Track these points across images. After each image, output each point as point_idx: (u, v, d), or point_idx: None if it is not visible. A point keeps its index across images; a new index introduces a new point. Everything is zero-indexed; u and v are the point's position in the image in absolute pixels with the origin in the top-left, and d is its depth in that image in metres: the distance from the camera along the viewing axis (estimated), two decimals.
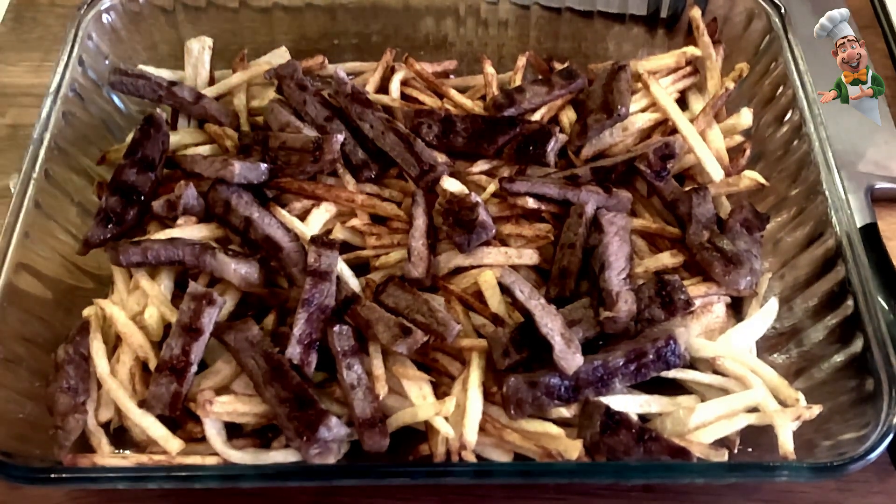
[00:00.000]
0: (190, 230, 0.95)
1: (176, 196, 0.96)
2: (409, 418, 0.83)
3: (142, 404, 0.83)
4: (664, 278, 0.89)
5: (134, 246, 0.90)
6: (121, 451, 0.86)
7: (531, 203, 0.96)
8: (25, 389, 0.88)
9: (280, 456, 0.83)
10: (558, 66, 1.16)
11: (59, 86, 1.02)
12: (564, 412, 0.84)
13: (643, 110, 1.07)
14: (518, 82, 1.13)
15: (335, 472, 0.82)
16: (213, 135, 1.06)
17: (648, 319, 0.87)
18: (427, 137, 1.02)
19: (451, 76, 1.19)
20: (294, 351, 0.83)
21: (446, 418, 0.82)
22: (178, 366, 0.83)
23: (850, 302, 0.89)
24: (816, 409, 0.83)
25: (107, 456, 0.84)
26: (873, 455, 0.78)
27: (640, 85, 1.08)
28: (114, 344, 0.90)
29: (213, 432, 0.83)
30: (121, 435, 0.88)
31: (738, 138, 1.08)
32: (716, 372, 0.88)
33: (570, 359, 0.81)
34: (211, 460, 0.83)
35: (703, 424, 0.84)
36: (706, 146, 1.02)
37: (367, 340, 0.86)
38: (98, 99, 1.10)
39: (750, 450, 0.87)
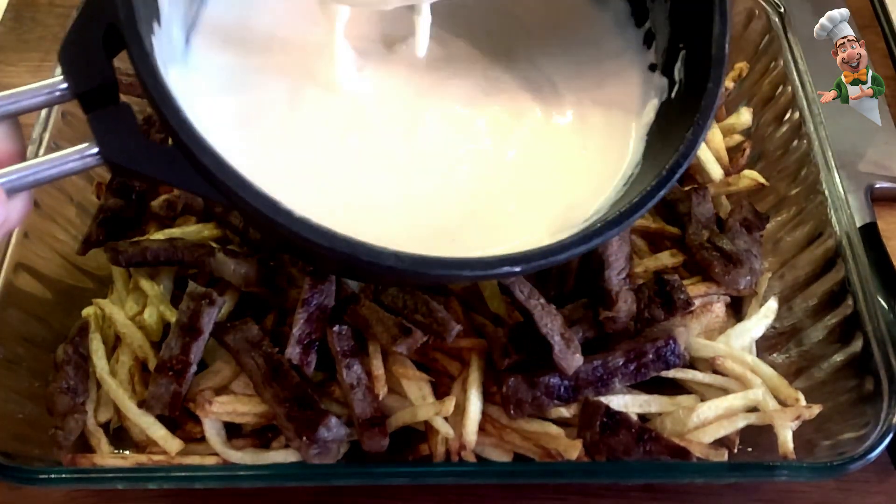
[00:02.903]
0: (189, 230, 0.95)
1: (175, 196, 0.95)
2: (409, 418, 0.83)
3: (141, 404, 0.83)
4: (664, 278, 0.89)
5: (133, 246, 0.90)
6: (120, 451, 0.86)
7: None
8: (25, 389, 0.88)
9: (280, 456, 0.83)
10: None
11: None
12: (564, 412, 0.84)
13: None
14: None
15: (335, 472, 0.82)
16: None
17: (648, 319, 0.87)
18: None
19: None
20: (293, 351, 0.83)
21: (446, 418, 0.82)
22: (177, 366, 0.83)
23: (849, 301, 0.89)
24: (816, 409, 0.83)
25: (106, 456, 0.84)
26: (873, 455, 0.78)
27: None
28: (113, 344, 0.90)
29: (213, 432, 0.83)
30: (120, 435, 0.88)
31: (738, 138, 1.08)
32: (716, 371, 0.88)
33: (570, 359, 0.81)
34: (210, 460, 0.83)
35: (702, 424, 0.84)
36: (705, 145, 1.02)
37: (366, 340, 0.85)
38: None
39: (750, 450, 0.87)
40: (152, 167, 0.60)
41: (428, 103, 0.85)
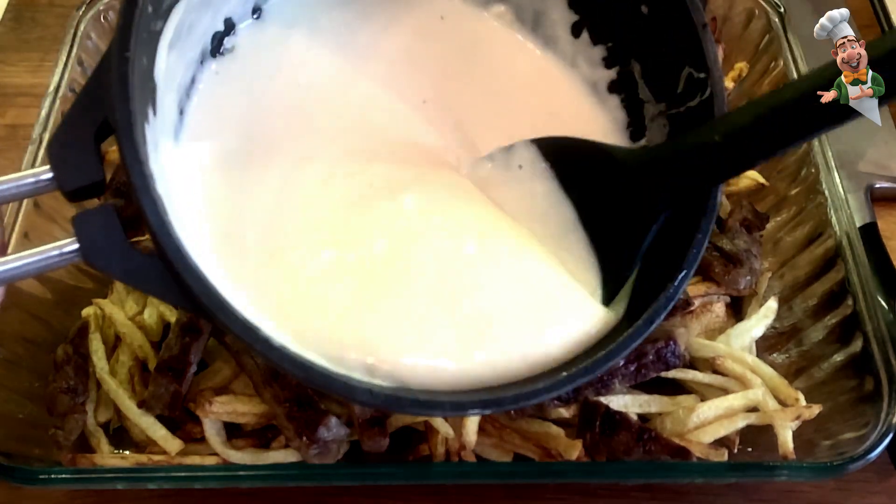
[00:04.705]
0: None
1: None
2: (409, 418, 0.83)
3: (141, 404, 0.83)
4: None
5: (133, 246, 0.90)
6: (120, 451, 0.86)
7: None
8: (25, 389, 0.88)
9: (280, 456, 0.83)
10: None
11: (59, 86, 1.02)
12: (564, 412, 0.84)
13: None
14: None
15: (335, 472, 0.82)
16: None
17: None
18: None
19: None
20: None
21: (446, 418, 0.82)
22: (177, 366, 0.83)
23: (849, 302, 0.89)
24: (816, 409, 0.83)
25: (106, 456, 0.84)
26: (873, 454, 0.78)
27: None
28: (113, 344, 0.90)
29: (213, 432, 0.83)
30: (120, 435, 0.88)
31: None
32: (716, 371, 0.88)
33: None
34: (210, 460, 0.83)
35: (702, 424, 0.84)
36: None
37: None
38: None
39: (750, 450, 0.87)
40: (131, 277, 0.60)
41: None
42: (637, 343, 0.68)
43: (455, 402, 0.66)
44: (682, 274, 0.69)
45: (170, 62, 0.70)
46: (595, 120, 0.86)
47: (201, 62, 0.80)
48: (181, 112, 0.77)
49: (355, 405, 0.81)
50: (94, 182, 0.60)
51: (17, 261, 0.59)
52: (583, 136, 0.80)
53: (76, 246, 0.58)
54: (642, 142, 0.83)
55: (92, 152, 0.60)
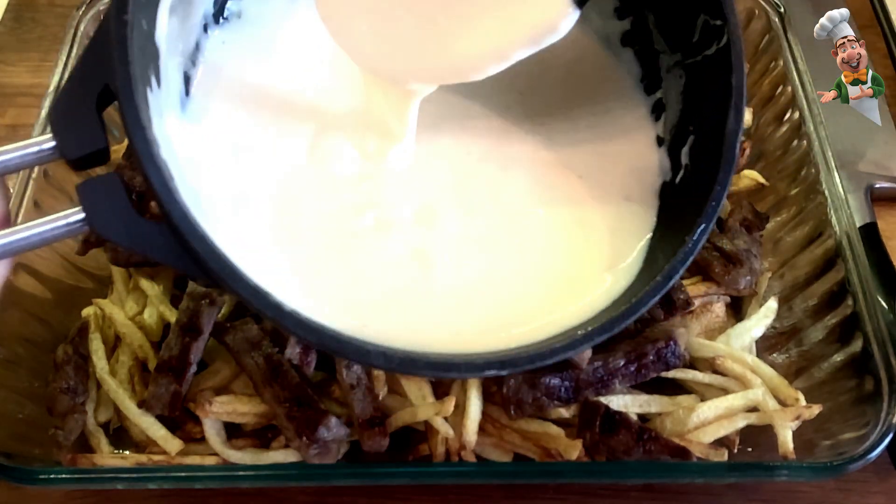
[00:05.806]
0: None
1: None
2: (409, 418, 0.83)
3: (141, 404, 0.83)
4: None
5: None
6: (120, 451, 0.86)
7: None
8: (25, 389, 0.88)
9: (280, 456, 0.83)
10: None
11: (59, 86, 1.02)
12: (564, 412, 0.84)
13: None
14: None
15: (335, 472, 0.82)
16: None
17: (648, 319, 0.87)
18: None
19: None
20: (293, 351, 0.83)
21: (446, 418, 0.82)
22: (177, 366, 0.83)
23: (849, 301, 0.89)
24: (816, 409, 0.83)
25: (106, 456, 0.84)
26: (873, 454, 0.78)
27: None
28: (113, 344, 0.90)
29: (213, 432, 0.83)
30: (120, 435, 0.88)
31: None
32: (715, 371, 0.88)
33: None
34: (210, 460, 0.83)
35: (702, 424, 0.84)
36: None
37: None
38: None
39: (750, 450, 0.87)
40: (139, 244, 0.59)
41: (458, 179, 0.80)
42: (657, 299, 0.66)
43: (470, 363, 0.64)
44: (701, 227, 0.67)
45: (171, 26, 0.69)
46: (609, 73, 0.85)
47: (205, 28, 0.79)
48: (186, 81, 0.76)
49: (355, 405, 0.81)
50: (97, 150, 0.59)
51: (23, 231, 0.58)
52: (596, 90, 0.78)
53: (82, 215, 0.58)
54: (658, 94, 0.83)
55: (94, 120, 0.59)
